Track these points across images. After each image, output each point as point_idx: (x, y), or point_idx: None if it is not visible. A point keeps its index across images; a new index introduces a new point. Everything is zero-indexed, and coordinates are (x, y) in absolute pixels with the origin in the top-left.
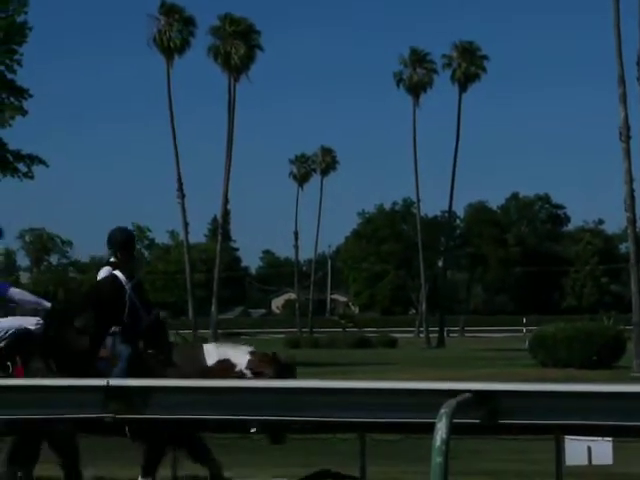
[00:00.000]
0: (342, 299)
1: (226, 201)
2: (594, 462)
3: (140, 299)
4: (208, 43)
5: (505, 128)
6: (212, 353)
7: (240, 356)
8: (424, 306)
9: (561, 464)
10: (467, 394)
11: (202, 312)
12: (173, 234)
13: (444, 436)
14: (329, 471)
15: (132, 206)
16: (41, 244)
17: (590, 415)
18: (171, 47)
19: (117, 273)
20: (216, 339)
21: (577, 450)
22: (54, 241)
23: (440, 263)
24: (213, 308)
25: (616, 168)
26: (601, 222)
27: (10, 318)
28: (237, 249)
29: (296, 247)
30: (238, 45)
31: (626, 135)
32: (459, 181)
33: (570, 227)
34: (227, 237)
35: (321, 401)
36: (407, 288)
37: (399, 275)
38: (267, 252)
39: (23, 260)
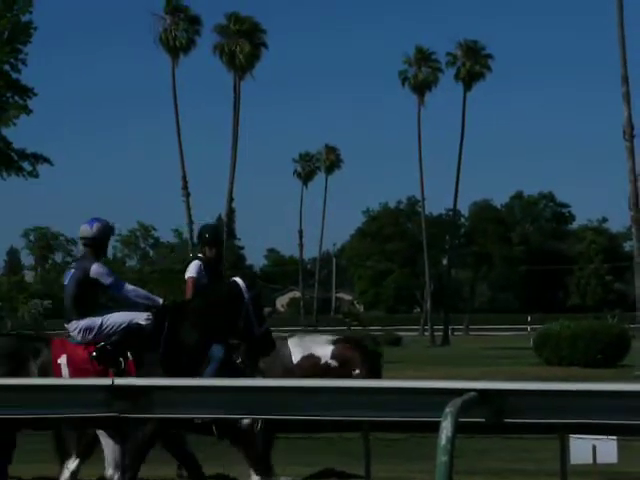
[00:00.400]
0: (347, 297)
1: (231, 199)
2: (599, 461)
3: (255, 310)
4: (213, 42)
5: (509, 126)
6: (296, 350)
7: (323, 347)
8: (429, 304)
9: (566, 463)
10: (472, 393)
11: None
12: (178, 233)
13: (449, 435)
14: (333, 470)
15: (137, 204)
16: (46, 242)
17: (595, 414)
18: (177, 46)
19: (238, 280)
20: None
21: (582, 449)
22: (58, 239)
23: (445, 261)
24: None
25: (620, 166)
26: (605, 220)
27: (121, 313)
28: (242, 247)
29: (301, 245)
30: (243, 44)
31: (630, 133)
32: (464, 179)
33: (574, 225)
34: (232, 235)
35: (325, 400)
36: (412, 286)
37: (404, 273)
38: (272, 250)
39: (28, 259)
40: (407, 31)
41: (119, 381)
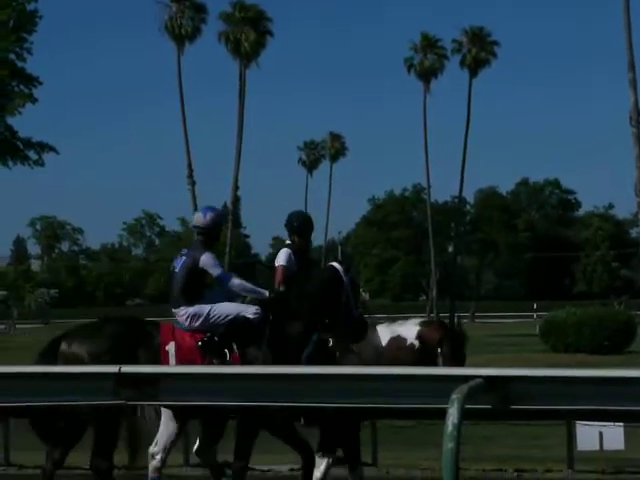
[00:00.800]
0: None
1: (236, 188)
2: (606, 447)
3: (353, 293)
4: (219, 30)
5: (515, 113)
6: (384, 333)
7: (409, 329)
8: (434, 292)
9: (573, 449)
10: (479, 379)
11: None
12: (183, 221)
13: (456, 422)
14: (340, 457)
15: (143, 193)
16: (52, 232)
17: (602, 400)
18: (182, 34)
19: (336, 265)
20: None
21: (589, 435)
22: (65, 228)
23: (450, 249)
24: None
25: (626, 153)
26: (611, 207)
27: (230, 304)
28: (248, 236)
29: None
30: (248, 32)
31: (636, 120)
32: (469, 167)
33: (580, 212)
34: (237, 224)
35: (332, 387)
36: (417, 274)
37: (409, 261)
38: (277, 239)
39: (34, 248)
40: (413, 18)
41: (126, 369)
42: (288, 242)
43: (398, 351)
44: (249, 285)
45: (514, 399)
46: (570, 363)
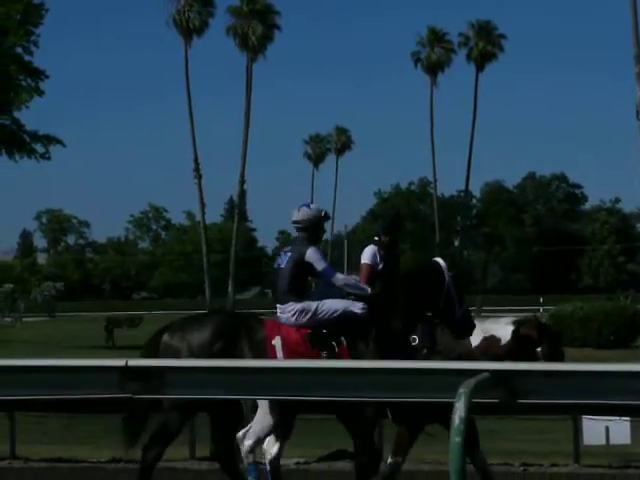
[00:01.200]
0: (358, 279)
1: (242, 181)
2: (612, 442)
3: (457, 290)
4: (226, 23)
5: (521, 107)
6: (476, 332)
7: (503, 328)
8: None
9: (579, 444)
10: (486, 374)
11: (219, 292)
12: (190, 214)
13: (463, 415)
14: (346, 451)
15: (149, 186)
16: (58, 225)
17: (608, 395)
18: (190, 28)
19: (439, 260)
20: None
21: (595, 430)
22: (71, 222)
23: (456, 243)
24: (230, 288)
25: (633, 147)
26: (618, 201)
27: (337, 300)
28: (254, 229)
29: None
30: (256, 25)
31: None
32: (475, 160)
33: (587, 206)
34: (243, 217)
35: (338, 381)
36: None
37: (415, 255)
38: (283, 232)
39: (40, 241)
40: (420, 12)
41: (132, 362)
42: (375, 238)
43: (491, 351)
44: (353, 281)
45: (521, 393)
46: (576, 357)
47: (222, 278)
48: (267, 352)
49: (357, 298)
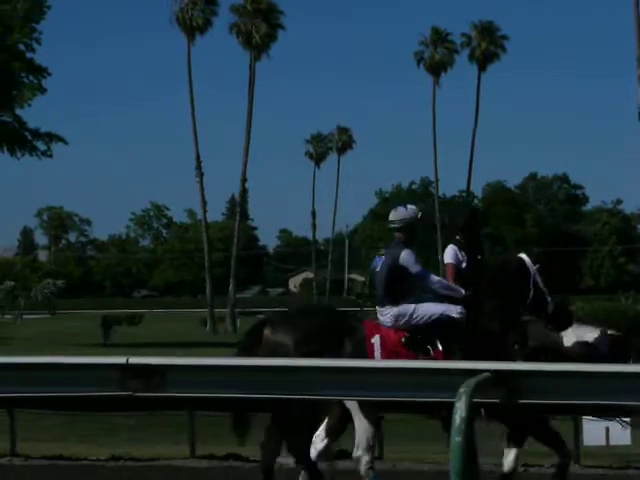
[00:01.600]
0: (360, 279)
1: (244, 180)
2: (612, 443)
3: (545, 283)
4: (230, 22)
5: (524, 108)
6: (569, 335)
7: (595, 336)
8: None
9: (579, 445)
10: (486, 373)
11: (220, 291)
12: (191, 213)
13: (463, 415)
14: (346, 451)
15: (151, 184)
16: (59, 222)
17: (609, 396)
18: (193, 26)
19: (523, 256)
20: (234, 318)
21: (595, 431)
22: (72, 219)
23: None
24: (231, 287)
25: (635, 148)
26: (619, 202)
27: (435, 303)
28: (255, 228)
29: (313, 226)
30: (260, 24)
31: None
32: (477, 161)
33: (588, 207)
34: (245, 216)
35: (339, 380)
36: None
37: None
38: (284, 231)
39: (41, 239)
40: (423, 12)
41: (133, 360)
42: (457, 237)
43: (582, 356)
44: (446, 282)
45: (522, 393)
46: None
47: (223, 276)
48: (366, 350)
49: (452, 301)
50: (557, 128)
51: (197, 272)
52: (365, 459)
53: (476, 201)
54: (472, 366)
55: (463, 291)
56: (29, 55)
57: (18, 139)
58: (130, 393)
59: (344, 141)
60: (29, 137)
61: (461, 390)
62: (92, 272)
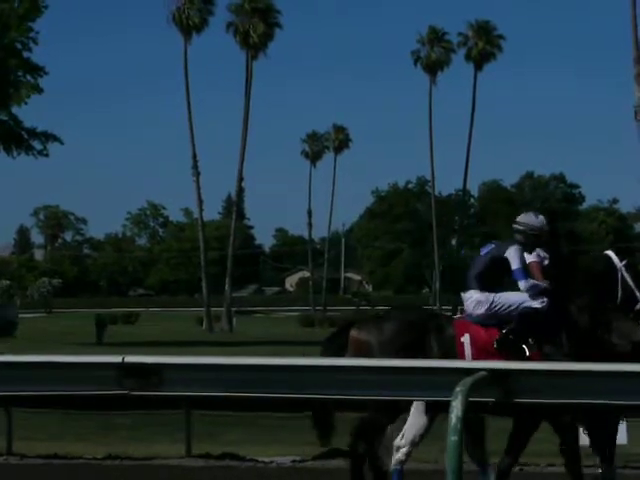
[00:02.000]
0: (356, 277)
1: (241, 179)
2: None
3: (633, 277)
4: (226, 20)
5: (520, 107)
6: None
7: None
8: (438, 285)
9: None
10: (482, 372)
11: (216, 290)
12: (187, 212)
13: (459, 414)
14: (340, 450)
15: (147, 183)
16: (55, 221)
17: (605, 394)
18: (190, 25)
19: (609, 253)
20: (230, 317)
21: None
22: (68, 218)
23: (454, 242)
24: (227, 286)
25: (631, 147)
26: (615, 201)
27: (514, 293)
28: (251, 227)
29: (309, 225)
30: (257, 23)
31: None
32: (474, 160)
33: (585, 206)
34: (241, 215)
35: (335, 379)
36: (421, 267)
37: (413, 254)
38: (280, 230)
39: (37, 237)
40: (420, 11)
41: (129, 359)
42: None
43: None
44: (536, 282)
45: (518, 392)
46: None
47: (219, 275)
48: (456, 349)
49: (534, 294)
50: (553, 127)
51: (193, 271)
52: (403, 451)
53: (472, 200)
54: (468, 365)
55: (544, 284)
56: (26, 54)
57: (14, 138)
58: (126, 392)
59: (340, 140)
60: (25, 136)
61: (457, 389)
62: (88, 271)
